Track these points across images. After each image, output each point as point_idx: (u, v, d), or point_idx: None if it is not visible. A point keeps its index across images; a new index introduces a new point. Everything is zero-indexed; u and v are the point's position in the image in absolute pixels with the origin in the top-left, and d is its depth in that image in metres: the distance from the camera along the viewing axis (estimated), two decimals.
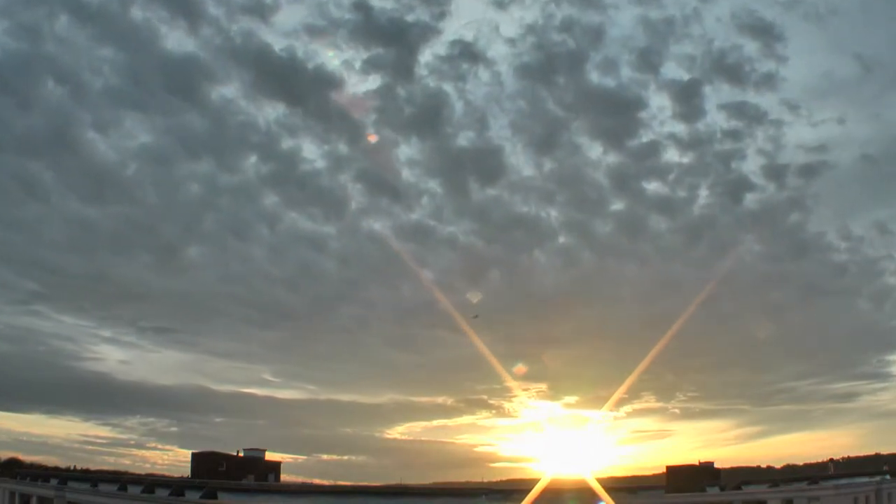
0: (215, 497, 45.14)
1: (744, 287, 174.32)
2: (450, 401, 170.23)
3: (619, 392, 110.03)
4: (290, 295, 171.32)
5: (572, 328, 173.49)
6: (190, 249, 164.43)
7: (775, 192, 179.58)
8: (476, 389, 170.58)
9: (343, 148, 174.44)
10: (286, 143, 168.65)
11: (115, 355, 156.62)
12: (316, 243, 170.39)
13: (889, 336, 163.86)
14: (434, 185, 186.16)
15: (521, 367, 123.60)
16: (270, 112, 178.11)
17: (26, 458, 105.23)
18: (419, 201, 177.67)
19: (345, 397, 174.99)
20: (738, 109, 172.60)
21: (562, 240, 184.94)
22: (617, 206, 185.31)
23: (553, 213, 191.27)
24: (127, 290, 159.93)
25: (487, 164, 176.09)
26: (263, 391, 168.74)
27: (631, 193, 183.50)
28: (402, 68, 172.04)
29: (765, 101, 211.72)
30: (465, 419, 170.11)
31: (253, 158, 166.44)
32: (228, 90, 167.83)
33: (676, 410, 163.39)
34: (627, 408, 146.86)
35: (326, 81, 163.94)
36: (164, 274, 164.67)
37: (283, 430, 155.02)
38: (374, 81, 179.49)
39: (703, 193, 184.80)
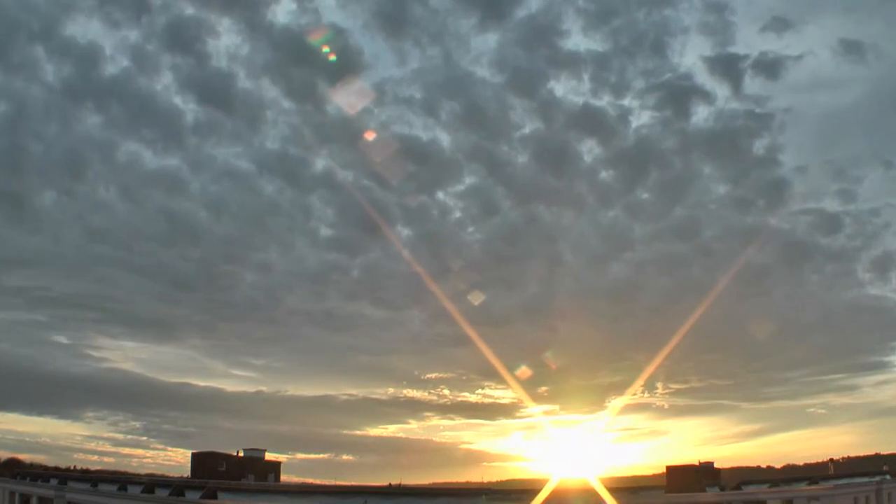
0: (215, 497, 45.04)
1: (709, 243, 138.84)
2: (409, 392, 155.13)
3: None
4: (170, 255, 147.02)
5: (514, 303, 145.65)
6: (37, 198, 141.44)
7: (731, 100, 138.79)
8: (432, 380, 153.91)
9: (135, 36, 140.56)
10: (69, 29, 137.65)
11: (29, 335, 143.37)
12: (168, 183, 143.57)
13: (894, 316, 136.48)
14: (275, 92, 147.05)
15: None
16: None
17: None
18: (263, 116, 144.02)
19: (292, 389, 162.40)
20: None
21: (469, 178, 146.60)
22: (526, 126, 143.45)
23: (444, 136, 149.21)
24: None
25: (327, 54, 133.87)
26: (205, 381, 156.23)
27: (539, 103, 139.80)
28: None
29: None
30: (438, 417, 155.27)
31: (39, 51, 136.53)
32: None
33: (664, 405, 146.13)
34: (616, 402, 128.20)
35: None
36: (22, 231, 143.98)
37: (247, 425, 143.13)
38: None
39: (635, 103, 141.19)
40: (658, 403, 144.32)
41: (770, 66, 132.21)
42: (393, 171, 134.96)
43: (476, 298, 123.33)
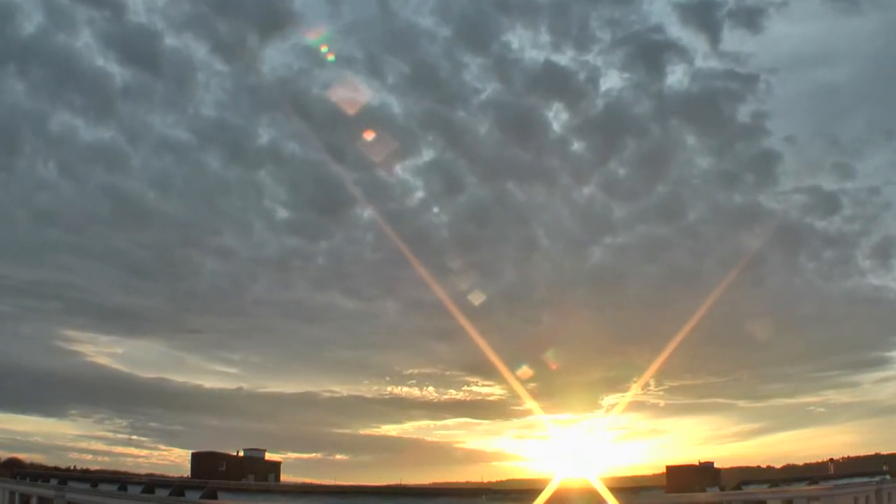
0: (215, 497, 45.05)
1: (695, 225, 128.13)
2: (393, 389, 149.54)
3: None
4: (123, 239, 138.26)
5: (492, 292, 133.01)
6: None
7: (709, 57, 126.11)
8: (415, 376, 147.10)
9: None
10: None
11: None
12: (107, 157, 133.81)
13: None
14: (203, 50, 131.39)
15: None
16: None
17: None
18: (194, 78, 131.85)
19: (272, 385, 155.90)
20: None
21: (427, 152, 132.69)
22: (484, 89, 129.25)
23: (393, 101, 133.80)
24: None
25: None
26: (183, 377, 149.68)
27: (495, 60, 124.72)
28: None
29: None
30: (428, 414, 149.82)
31: None
32: None
33: (660, 403, 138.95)
34: (612, 400, 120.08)
35: None
36: None
37: (232, 423, 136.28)
38: None
39: (600, 60, 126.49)
40: (653, 401, 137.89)
41: (750, 16, 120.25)
42: (348, 143, 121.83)
43: (453, 288, 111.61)
